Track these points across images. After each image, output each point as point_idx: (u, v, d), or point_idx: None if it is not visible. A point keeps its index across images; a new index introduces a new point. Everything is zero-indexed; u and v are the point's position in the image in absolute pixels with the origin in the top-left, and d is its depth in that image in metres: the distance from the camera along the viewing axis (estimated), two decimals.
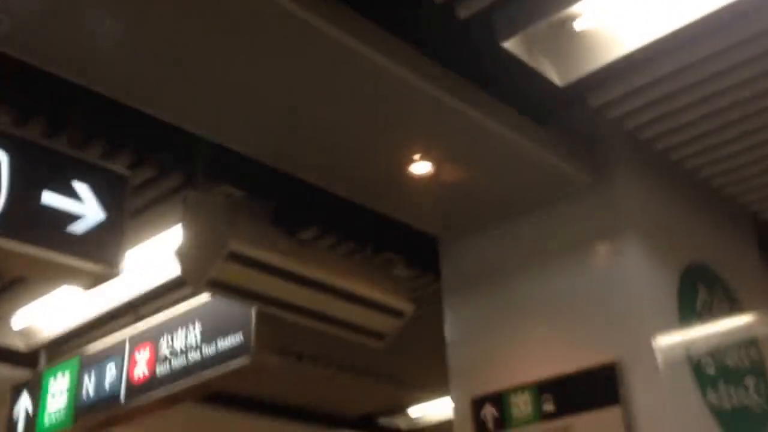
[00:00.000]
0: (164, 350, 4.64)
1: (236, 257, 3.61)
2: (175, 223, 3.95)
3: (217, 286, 3.66)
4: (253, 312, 4.24)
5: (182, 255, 3.69)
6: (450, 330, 4.54)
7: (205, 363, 4.39)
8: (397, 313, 4.26)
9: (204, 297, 4.52)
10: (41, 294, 5.03)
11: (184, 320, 4.62)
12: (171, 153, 3.80)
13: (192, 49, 3.12)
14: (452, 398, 4.39)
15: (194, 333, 4.52)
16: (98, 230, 3.25)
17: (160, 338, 4.70)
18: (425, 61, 3.39)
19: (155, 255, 4.46)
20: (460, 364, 4.44)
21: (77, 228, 3.20)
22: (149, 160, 3.80)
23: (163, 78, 3.27)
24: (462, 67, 3.53)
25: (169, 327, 4.69)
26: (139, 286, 4.86)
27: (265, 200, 3.98)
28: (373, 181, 4.03)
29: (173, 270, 4.51)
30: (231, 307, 4.35)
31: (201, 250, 3.64)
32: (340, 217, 4.42)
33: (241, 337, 4.27)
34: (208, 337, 4.46)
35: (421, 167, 3.91)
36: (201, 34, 3.04)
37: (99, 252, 3.23)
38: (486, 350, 4.34)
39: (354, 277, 4.09)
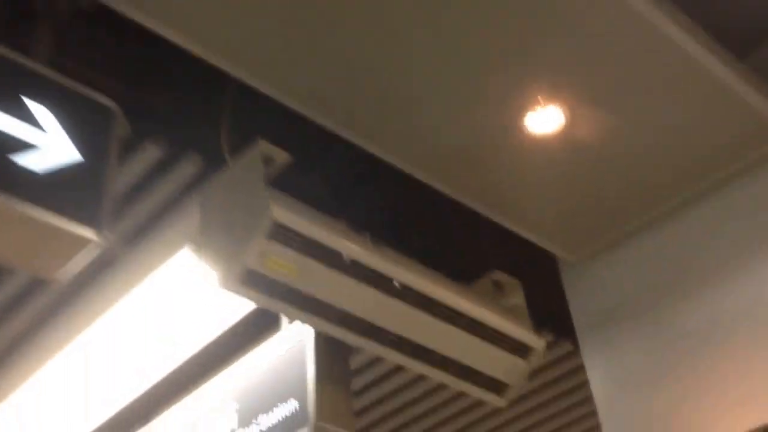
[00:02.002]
0: None
1: (284, 234, 2.36)
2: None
3: (256, 284, 2.38)
4: (311, 370, 2.93)
5: (204, 242, 2.46)
6: (600, 386, 3.17)
7: None
8: (522, 350, 2.90)
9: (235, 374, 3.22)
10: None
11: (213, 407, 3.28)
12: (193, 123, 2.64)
13: None
14: None
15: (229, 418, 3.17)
16: (69, 173, 2.07)
17: None
18: None
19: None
20: (623, 419, 3.02)
21: (35, 163, 2.02)
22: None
23: None
24: None
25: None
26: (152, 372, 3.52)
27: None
28: (467, 149, 2.84)
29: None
30: (277, 371, 3.05)
31: (231, 227, 2.42)
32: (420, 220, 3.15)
33: (297, 406, 2.93)
34: (246, 418, 3.11)
35: (544, 119, 2.73)
36: None
37: (73, 205, 2.04)
38: (665, 400, 2.94)
39: (458, 293, 2.80)
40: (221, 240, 2.43)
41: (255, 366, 3.18)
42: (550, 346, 3.71)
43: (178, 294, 3.20)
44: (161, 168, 2.71)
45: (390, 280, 2.59)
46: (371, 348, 2.65)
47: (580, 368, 3.76)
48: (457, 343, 2.77)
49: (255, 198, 2.40)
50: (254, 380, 3.15)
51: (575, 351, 3.69)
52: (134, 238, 2.94)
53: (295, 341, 3.06)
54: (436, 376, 2.79)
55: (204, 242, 2.48)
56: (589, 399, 3.82)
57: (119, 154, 2.22)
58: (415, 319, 2.66)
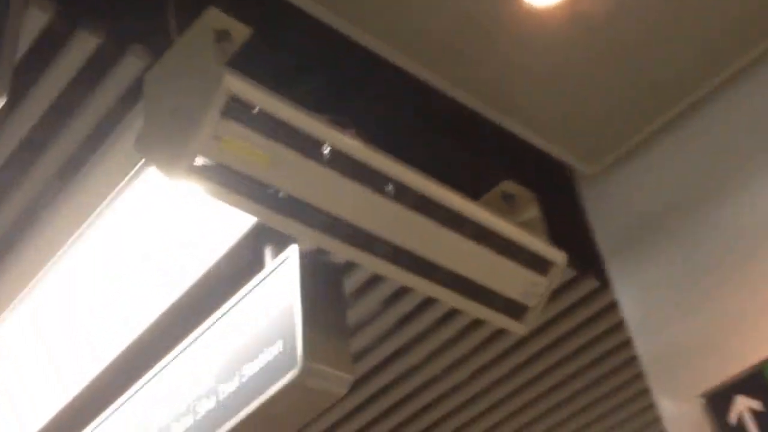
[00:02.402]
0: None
1: (244, 111, 1.93)
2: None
3: (214, 175, 1.95)
4: (298, 305, 2.48)
5: (149, 139, 2.03)
6: (633, 306, 2.73)
7: (227, 409, 2.56)
8: (541, 265, 2.46)
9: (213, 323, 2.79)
10: None
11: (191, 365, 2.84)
12: None
13: None
14: (662, 406, 2.50)
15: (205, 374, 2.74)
16: None
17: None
18: None
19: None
20: (663, 349, 2.57)
21: None
22: None
23: None
24: None
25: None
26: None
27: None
28: (455, 25, 2.41)
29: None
30: (259, 315, 2.61)
31: (179, 115, 1.98)
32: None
33: (283, 348, 2.48)
34: (228, 371, 2.66)
35: None
36: None
37: None
38: (708, 315, 2.50)
39: (463, 198, 2.36)
40: (168, 132, 2.00)
41: (236, 312, 2.74)
42: (571, 284, 3.29)
43: (139, 227, 2.75)
44: (100, 66, 2.27)
45: (382, 176, 2.15)
46: (362, 260, 2.21)
47: (609, 308, 3.33)
48: (465, 255, 2.32)
49: (204, 74, 1.97)
50: (235, 328, 2.71)
51: (601, 288, 3.25)
52: (71, 164, 2.48)
53: (279, 278, 2.61)
54: (442, 295, 2.34)
55: (149, 139, 2.06)
56: (625, 344, 3.39)
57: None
58: (413, 224, 2.22)
